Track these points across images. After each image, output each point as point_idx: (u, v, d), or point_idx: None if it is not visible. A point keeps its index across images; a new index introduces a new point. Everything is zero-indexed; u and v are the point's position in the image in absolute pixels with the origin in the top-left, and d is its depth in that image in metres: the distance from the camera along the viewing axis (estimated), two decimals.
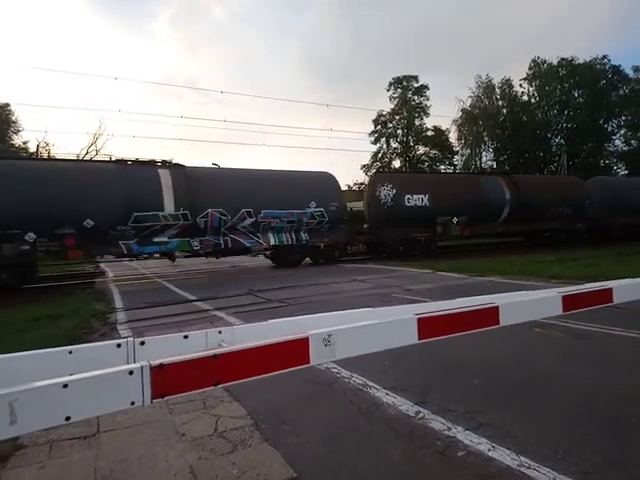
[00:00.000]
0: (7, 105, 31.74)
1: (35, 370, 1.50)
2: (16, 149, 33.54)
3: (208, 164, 17.10)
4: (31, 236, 12.24)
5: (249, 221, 15.50)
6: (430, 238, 19.25)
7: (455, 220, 19.27)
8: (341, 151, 74.47)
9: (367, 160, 48.20)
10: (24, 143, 35.19)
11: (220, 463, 2.67)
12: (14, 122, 34.30)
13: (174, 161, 15.13)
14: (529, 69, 43.92)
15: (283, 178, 17.00)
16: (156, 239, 14.27)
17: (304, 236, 16.76)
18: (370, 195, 19.22)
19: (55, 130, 47.29)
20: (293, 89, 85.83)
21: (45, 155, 32.76)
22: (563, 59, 42.01)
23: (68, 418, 1.17)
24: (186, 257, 17.37)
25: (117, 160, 14.52)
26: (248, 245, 15.90)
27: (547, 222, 21.60)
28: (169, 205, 14.05)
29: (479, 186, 20.34)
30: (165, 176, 14.31)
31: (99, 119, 34.94)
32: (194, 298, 9.79)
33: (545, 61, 43.12)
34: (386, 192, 18.48)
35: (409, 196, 18.49)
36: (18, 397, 1.12)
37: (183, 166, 15.20)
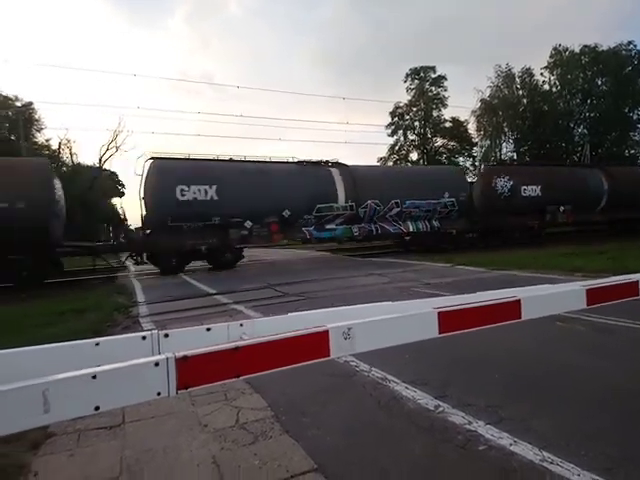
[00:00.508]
0: (30, 104, 32.50)
1: (64, 361, 1.54)
2: (39, 147, 34.34)
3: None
4: (249, 223, 15.56)
5: (395, 210, 18.13)
6: (540, 225, 20.79)
7: (562, 208, 20.87)
8: (357, 144, 73.67)
9: (384, 153, 47.84)
10: (46, 141, 36.05)
11: (242, 454, 2.72)
12: (37, 120, 35.14)
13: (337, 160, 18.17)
14: (550, 57, 42.75)
15: (420, 172, 20.84)
16: (328, 226, 17.37)
17: (436, 224, 18.96)
18: (484, 186, 20.29)
19: (76, 127, 48.16)
20: (308, 83, 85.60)
21: (67, 152, 33.48)
22: (586, 46, 40.73)
23: (97, 408, 1.21)
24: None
25: (298, 162, 17.47)
26: (392, 231, 18.44)
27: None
28: (341, 198, 17.31)
29: (583, 178, 22.10)
30: (336, 174, 17.58)
31: (119, 116, 35.39)
32: (214, 292, 9.92)
33: (567, 49, 41.89)
34: (503, 183, 19.94)
35: (525, 187, 20.20)
36: (49, 387, 1.16)
37: (347, 165, 18.25)
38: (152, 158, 15.24)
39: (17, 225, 11.95)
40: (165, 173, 14.97)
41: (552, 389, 3.53)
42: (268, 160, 17.37)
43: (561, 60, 42.06)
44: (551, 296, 2.23)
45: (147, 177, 15.07)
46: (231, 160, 16.68)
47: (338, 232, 17.66)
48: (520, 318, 2.01)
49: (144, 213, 15.42)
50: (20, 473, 2.59)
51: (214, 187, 15.09)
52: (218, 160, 16.55)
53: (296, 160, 17.51)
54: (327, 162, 17.99)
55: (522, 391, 3.52)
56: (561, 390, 3.50)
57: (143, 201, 15.19)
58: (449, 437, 2.79)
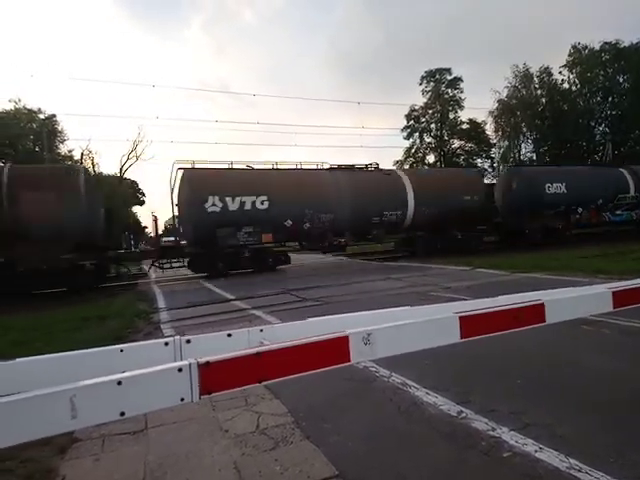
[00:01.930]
0: (53, 116, 33.45)
1: (90, 367, 1.58)
2: (62, 158, 35.25)
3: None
4: None
5: None
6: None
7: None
8: (373, 148, 73.51)
9: (400, 156, 47.64)
10: (69, 152, 36.97)
11: (263, 459, 2.72)
12: (60, 132, 36.09)
13: None
14: (569, 56, 42.06)
15: None
16: (617, 212, 21.04)
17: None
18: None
19: (97, 138, 49.34)
20: (323, 88, 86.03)
21: (89, 162, 34.27)
22: (606, 43, 39.91)
23: (123, 413, 1.23)
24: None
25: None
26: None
27: None
28: (632, 190, 21.39)
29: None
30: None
31: (138, 126, 36.11)
32: (232, 297, 10.00)
33: (586, 46, 41.17)
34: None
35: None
36: (76, 393, 1.19)
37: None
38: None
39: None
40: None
41: (578, 394, 3.44)
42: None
43: (580, 58, 41.32)
44: (576, 299, 2.19)
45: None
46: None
47: (623, 217, 21.24)
48: (544, 322, 1.97)
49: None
50: (48, 477, 2.65)
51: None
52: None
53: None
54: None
55: (547, 396, 3.44)
56: (588, 395, 3.41)
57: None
58: (472, 443, 2.75)
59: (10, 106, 32.83)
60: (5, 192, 12.49)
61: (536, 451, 2.58)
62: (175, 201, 16.01)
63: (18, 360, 1.57)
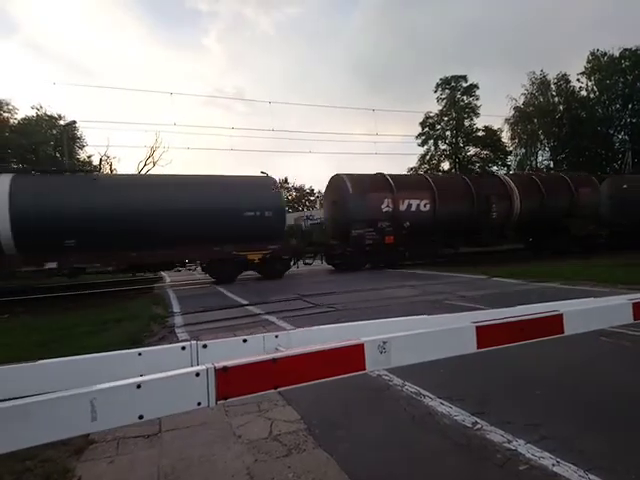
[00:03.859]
0: (74, 122, 34.08)
1: (109, 370, 1.61)
2: (81, 163, 35.93)
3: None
4: None
5: None
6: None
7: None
8: (387, 155, 73.36)
9: (414, 163, 47.47)
10: (88, 157, 37.66)
11: (276, 466, 2.72)
12: (79, 138, 36.77)
13: None
14: (587, 62, 41.52)
15: None
16: None
17: None
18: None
19: (115, 144, 50.31)
20: (338, 95, 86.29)
21: (107, 168, 34.89)
22: (626, 49, 39.29)
23: (141, 417, 1.25)
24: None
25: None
26: None
27: None
28: None
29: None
30: None
31: (156, 132, 36.57)
32: (246, 302, 10.04)
33: (605, 53, 40.59)
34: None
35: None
36: (96, 396, 1.21)
37: None
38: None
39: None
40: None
41: (596, 408, 3.37)
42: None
43: (599, 65, 40.77)
44: (595, 310, 2.15)
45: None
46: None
47: None
48: (562, 333, 1.94)
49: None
50: (65, 478, 2.69)
51: None
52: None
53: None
54: None
55: (564, 409, 3.37)
56: (606, 409, 3.34)
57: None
58: (487, 455, 2.70)
59: (32, 113, 33.69)
60: None
61: (553, 465, 2.53)
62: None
63: (40, 362, 1.61)
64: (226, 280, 15.21)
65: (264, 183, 16.70)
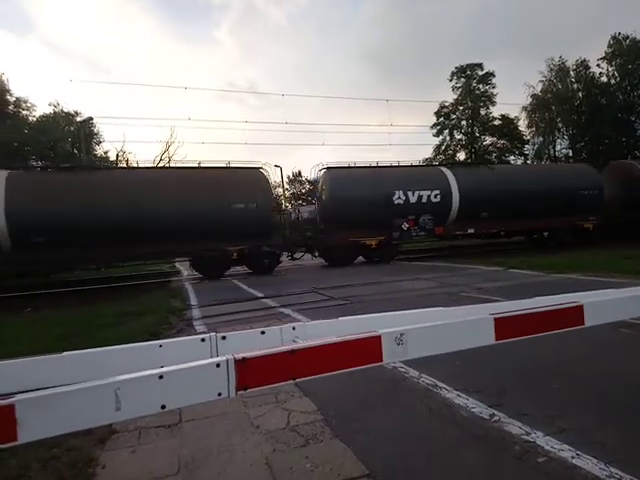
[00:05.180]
0: (91, 119, 34.53)
1: (131, 362, 1.64)
2: (98, 159, 36.46)
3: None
4: None
5: None
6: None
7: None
8: (402, 145, 72.64)
9: (429, 153, 46.91)
10: (105, 153, 38.18)
11: (294, 456, 2.76)
12: (96, 134, 37.31)
13: None
14: (608, 47, 40.21)
15: None
16: None
17: None
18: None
19: (131, 140, 50.81)
20: (351, 86, 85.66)
21: (124, 163, 35.33)
22: None
23: (164, 407, 1.28)
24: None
25: None
26: None
27: None
28: None
29: None
30: None
31: (170, 127, 36.84)
32: (261, 295, 10.12)
33: (627, 37, 39.23)
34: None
35: None
36: (120, 386, 1.24)
37: None
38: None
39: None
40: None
41: (617, 400, 3.32)
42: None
43: (621, 49, 39.45)
44: (616, 301, 2.12)
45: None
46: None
47: None
48: (583, 324, 1.92)
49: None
50: (90, 466, 2.77)
51: None
52: None
53: None
54: None
55: (584, 401, 3.33)
56: (627, 402, 3.28)
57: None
58: (505, 447, 2.69)
59: (49, 110, 34.26)
60: None
61: (573, 457, 2.51)
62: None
63: (65, 353, 1.65)
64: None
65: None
